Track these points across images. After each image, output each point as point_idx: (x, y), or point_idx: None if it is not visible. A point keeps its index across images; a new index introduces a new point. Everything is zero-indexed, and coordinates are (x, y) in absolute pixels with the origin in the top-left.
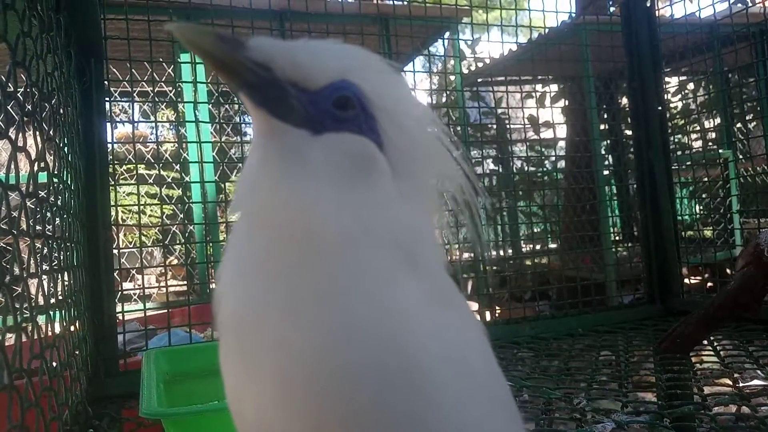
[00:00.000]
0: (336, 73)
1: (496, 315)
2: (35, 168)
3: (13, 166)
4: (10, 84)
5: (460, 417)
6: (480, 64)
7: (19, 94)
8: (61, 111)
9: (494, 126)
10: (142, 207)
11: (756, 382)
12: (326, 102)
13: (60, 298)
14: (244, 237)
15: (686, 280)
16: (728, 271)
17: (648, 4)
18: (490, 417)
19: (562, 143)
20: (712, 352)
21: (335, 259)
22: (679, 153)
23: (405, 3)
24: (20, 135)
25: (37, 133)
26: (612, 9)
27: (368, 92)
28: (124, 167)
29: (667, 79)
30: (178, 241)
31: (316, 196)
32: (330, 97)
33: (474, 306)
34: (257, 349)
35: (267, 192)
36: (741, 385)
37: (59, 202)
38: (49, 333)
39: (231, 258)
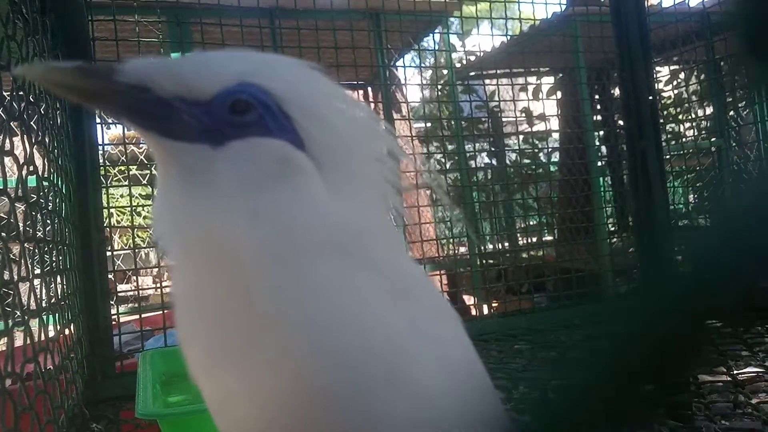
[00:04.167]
0: (229, 78)
1: (493, 308)
2: (24, 172)
3: (0, 171)
4: None
5: (443, 407)
6: (471, 58)
7: (5, 98)
8: (50, 114)
9: (487, 119)
10: (135, 208)
11: (750, 369)
12: (221, 109)
13: (53, 301)
14: (180, 276)
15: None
16: None
17: None
18: (471, 404)
19: (555, 135)
20: (708, 341)
21: (268, 278)
22: (673, 143)
23: None
24: (7, 139)
25: (25, 137)
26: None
27: (276, 90)
28: (117, 169)
29: (658, 68)
30: None
31: (226, 213)
32: (224, 104)
33: (470, 299)
34: (232, 395)
35: (176, 221)
36: (735, 372)
37: (50, 206)
38: (43, 337)
39: (179, 303)
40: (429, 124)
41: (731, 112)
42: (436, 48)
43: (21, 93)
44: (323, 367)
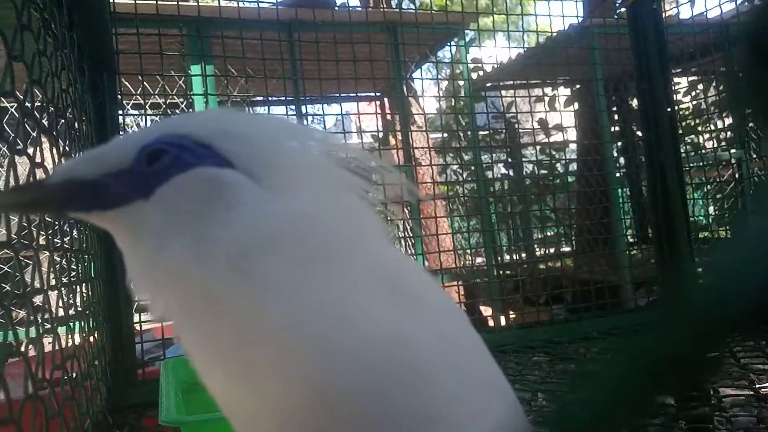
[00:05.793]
0: (144, 139)
1: (511, 319)
2: None
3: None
4: (27, 101)
5: (458, 404)
6: (488, 69)
7: (35, 111)
8: (76, 125)
9: (503, 130)
10: None
11: None
12: (141, 166)
13: (79, 309)
14: (177, 328)
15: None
16: None
17: (654, 6)
18: (490, 403)
19: (573, 146)
20: (728, 354)
21: (233, 290)
22: (692, 154)
23: (412, 10)
24: (37, 150)
25: (53, 147)
26: (619, 11)
27: (188, 131)
28: None
29: (677, 79)
30: None
31: (174, 251)
32: (142, 161)
33: (487, 311)
34: (243, 407)
35: (144, 279)
36: (758, 386)
37: None
38: (69, 344)
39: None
40: (446, 135)
41: (751, 123)
42: (453, 60)
43: (50, 106)
44: (301, 369)
